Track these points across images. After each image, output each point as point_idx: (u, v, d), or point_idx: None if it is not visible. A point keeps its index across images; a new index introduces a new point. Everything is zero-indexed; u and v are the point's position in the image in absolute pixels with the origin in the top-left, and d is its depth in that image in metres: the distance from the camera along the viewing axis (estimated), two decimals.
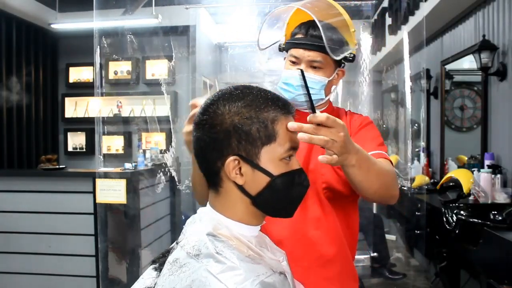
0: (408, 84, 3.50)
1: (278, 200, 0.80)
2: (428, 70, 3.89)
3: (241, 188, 0.78)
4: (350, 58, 1.20)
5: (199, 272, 0.71)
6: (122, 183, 2.76)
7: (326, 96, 1.21)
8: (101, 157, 3.24)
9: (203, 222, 0.80)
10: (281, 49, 1.25)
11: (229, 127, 0.75)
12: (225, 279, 0.69)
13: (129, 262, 2.97)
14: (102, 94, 4.57)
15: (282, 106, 0.79)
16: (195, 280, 0.71)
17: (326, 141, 0.78)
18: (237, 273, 0.70)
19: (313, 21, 1.14)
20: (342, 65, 1.22)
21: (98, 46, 3.18)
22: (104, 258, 2.88)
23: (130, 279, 2.92)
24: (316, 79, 1.17)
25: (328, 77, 1.18)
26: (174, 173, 3.62)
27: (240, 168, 0.76)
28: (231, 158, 0.76)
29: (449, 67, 3.60)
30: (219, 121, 0.76)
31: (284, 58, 1.24)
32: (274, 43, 1.29)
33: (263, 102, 0.78)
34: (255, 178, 0.77)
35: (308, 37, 1.16)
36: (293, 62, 1.18)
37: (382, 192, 1.04)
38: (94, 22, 3.11)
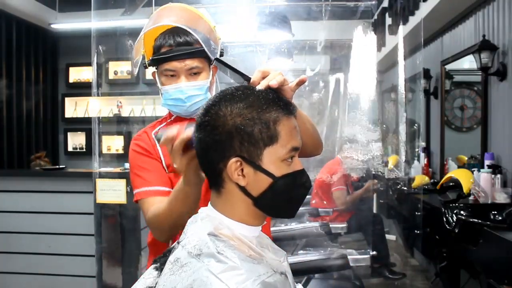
0: (402, 85, 3.51)
1: (280, 201, 0.80)
2: (428, 70, 3.90)
3: (243, 189, 0.78)
4: (222, 53, 1.23)
5: (200, 271, 0.72)
6: (122, 183, 2.75)
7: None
8: (97, 156, 3.24)
9: (205, 222, 0.81)
10: (146, 67, 1.22)
11: (231, 128, 0.75)
12: (226, 278, 0.70)
13: (129, 262, 2.97)
14: (98, 94, 4.56)
15: (284, 106, 0.79)
16: (196, 280, 0.71)
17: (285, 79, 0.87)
18: (238, 273, 0.71)
19: (175, 28, 1.15)
20: (212, 62, 1.21)
21: (99, 46, 3.18)
22: (102, 259, 2.88)
23: (130, 280, 2.92)
24: (200, 85, 1.18)
25: (208, 78, 1.20)
26: None
27: (242, 170, 0.76)
28: (233, 159, 0.76)
29: (449, 67, 3.60)
30: (221, 122, 0.76)
31: (153, 74, 1.22)
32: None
33: (264, 103, 0.78)
34: (257, 179, 0.77)
35: (177, 47, 1.15)
36: (172, 76, 1.17)
37: (316, 137, 1.19)
38: (92, 22, 3.11)
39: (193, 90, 1.17)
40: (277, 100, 0.79)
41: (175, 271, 0.75)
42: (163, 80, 1.18)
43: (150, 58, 1.18)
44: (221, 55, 1.22)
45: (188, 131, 0.87)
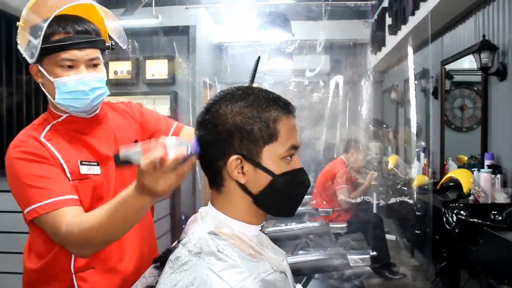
0: (412, 84, 3.50)
1: (279, 199, 0.80)
2: (428, 70, 3.90)
3: (243, 187, 0.79)
4: (113, 47, 1.15)
5: (200, 270, 0.72)
6: None
7: None
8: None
9: (205, 220, 0.81)
10: (32, 56, 1.02)
11: (231, 126, 0.76)
12: (226, 276, 0.70)
13: None
14: None
15: (283, 105, 0.80)
16: (196, 278, 0.71)
17: None
18: (238, 271, 0.71)
19: (70, 16, 1.04)
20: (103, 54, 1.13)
21: None
22: None
23: None
24: (101, 77, 1.08)
25: (104, 71, 1.10)
26: None
27: (242, 167, 0.77)
28: (234, 157, 0.77)
29: (449, 67, 3.60)
30: (221, 120, 0.77)
31: (33, 67, 1.07)
32: None
33: (264, 102, 0.79)
34: (257, 177, 0.78)
35: (75, 35, 1.03)
36: (70, 66, 1.03)
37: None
38: None
39: (96, 82, 1.06)
40: (277, 99, 0.81)
41: (175, 269, 0.76)
42: (58, 71, 1.03)
43: (39, 46, 0.99)
44: (113, 48, 1.14)
45: (178, 148, 0.79)
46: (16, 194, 1.04)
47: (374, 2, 3.91)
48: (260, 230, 0.86)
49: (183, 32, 4.41)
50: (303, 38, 4.49)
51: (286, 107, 0.80)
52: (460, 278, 2.72)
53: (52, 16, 1.00)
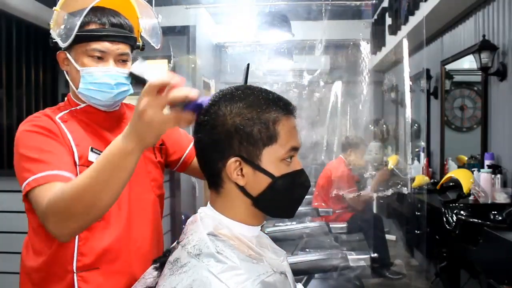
0: (407, 84, 3.50)
1: (279, 200, 0.80)
2: (428, 70, 3.90)
3: (242, 189, 0.78)
4: (144, 47, 1.13)
5: (200, 271, 0.72)
6: None
7: None
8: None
9: (204, 222, 0.81)
10: (65, 40, 1.00)
11: (231, 128, 0.75)
12: (225, 278, 0.70)
13: None
14: None
15: (283, 106, 0.79)
16: (196, 280, 0.71)
17: None
18: (238, 273, 0.71)
19: (110, 9, 1.04)
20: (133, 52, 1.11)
21: None
22: None
23: None
24: (127, 74, 1.04)
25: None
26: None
27: (241, 169, 0.77)
28: (233, 159, 0.76)
29: (449, 67, 3.59)
30: (221, 122, 0.76)
31: (61, 54, 1.05)
32: None
33: (264, 103, 0.78)
34: (257, 179, 0.77)
35: (110, 27, 1.02)
36: (99, 58, 1.02)
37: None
38: None
39: (122, 78, 1.04)
40: (277, 100, 0.79)
41: (174, 271, 0.75)
42: (86, 61, 1.01)
43: (75, 33, 0.98)
44: (143, 48, 1.14)
45: (191, 89, 0.77)
46: (17, 168, 0.98)
47: (374, 2, 3.91)
48: (260, 230, 0.86)
49: (183, 32, 4.41)
50: (303, 38, 4.49)
51: (286, 108, 0.79)
52: (460, 278, 2.72)
53: (91, 6, 0.99)
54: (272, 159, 0.77)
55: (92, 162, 0.93)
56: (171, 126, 0.79)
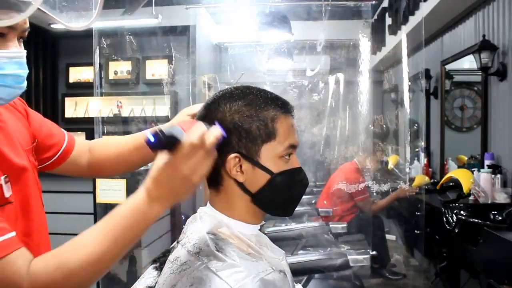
0: (406, 84, 3.50)
1: (277, 198, 0.81)
2: (428, 70, 3.90)
3: (241, 185, 0.79)
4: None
5: (199, 270, 0.72)
6: (122, 183, 2.76)
7: None
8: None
9: (204, 220, 0.81)
10: None
11: (230, 125, 0.77)
12: (225, 276, 0.70)
13: (129, 261, 2.96)
14: (101, 94, 4.57)
15: (282, 105, 0.81)
16: (196, 278, 0.71)
17: None
18: (237, 270, 0.71)
19: None
20: None
21: (98, 46, 3.18)
22: None
23: (130, 279, 2.92)
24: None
25: None
26: None
27: (240, 166, 0.77)
28: (232, 155, 0.77)
29: (449, 67, 3.59)
30: (219, 119, 0.77)
31: None
32: None
33: (263, 101, 0.79)
34: (256, 176, 0.78)
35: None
36: (2, 34, 0.73)
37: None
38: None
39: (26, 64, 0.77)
40: (275, 99, 0.81)
41: (174, 269, 0.76)
42: None
43: None
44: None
45: (211, 128, 0.70)
46: None
47: (374, 2, 3.91)
48: (260, 230, 0.86)
49: (183, 32, 4.41)
50: (303, 38, 4.49)
51: (284, 107, 0.81)
52: (460, 278, 2.72)
53: None
54: (271, 156, 0.78)
55: (7, 199, 0.75)
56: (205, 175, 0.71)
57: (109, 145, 1.10)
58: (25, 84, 0.76)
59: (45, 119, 1.01)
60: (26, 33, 0.78)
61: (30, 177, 0.84)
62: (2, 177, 0.75)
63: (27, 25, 0.77)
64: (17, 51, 0.73)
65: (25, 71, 0.75)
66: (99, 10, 0.78)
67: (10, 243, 0.64)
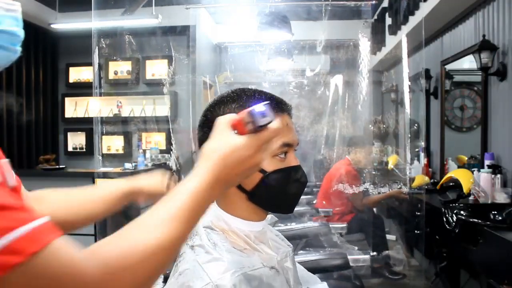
0: (406, 84, 3.50)
1: (273, 195, 0.83)
2: (428, 70, 3.90)
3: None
4: None
5: (189, 261, 0.77)
6: None
7: None
8: (100, 157, 3.23)
9: (204, 216, 0.85)
10: None
11: None
12: (208, 268, 0.74)
13: None
14: (101, 94, 4.57)
15: (276, 105, 0.83)
16: (186, 269, 0.76)
17: None
18: (220, 264, 0.75)
19: None
20: None
21: (97, 47, 3.18)
22: None
23: None
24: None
25: None
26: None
27: None
28: None
29: (449, 67, 3.59)
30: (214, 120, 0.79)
31: None
32: None
33: (256, 102, 0.80)
34: None
35: None
36: None
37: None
38: (92, 22, 3.11)
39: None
40: (270, 99, 0.83)
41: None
42: None
43: None
44: None
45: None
46: None
47: (374, 2, 3.91)
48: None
49: (183, 32, 4.42)
50: (303, 38, 4.49)
51: (278, 106, 0.83)
52: (460, 278, 2.72)
53: None
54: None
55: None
56: None
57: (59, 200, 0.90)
58: (19, 49, 0.65)
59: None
60: None
61: None
62: None
63: None
64: (12, 3, 0.61)
65: (21, 30, 0.63)
66: None
67: (48, 228, 0.47)
